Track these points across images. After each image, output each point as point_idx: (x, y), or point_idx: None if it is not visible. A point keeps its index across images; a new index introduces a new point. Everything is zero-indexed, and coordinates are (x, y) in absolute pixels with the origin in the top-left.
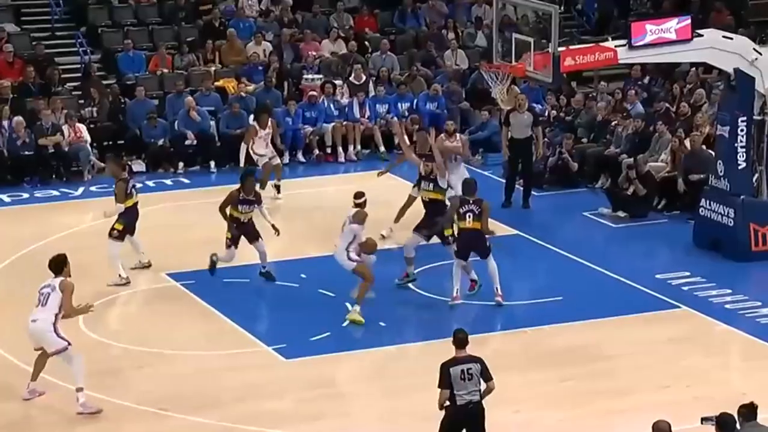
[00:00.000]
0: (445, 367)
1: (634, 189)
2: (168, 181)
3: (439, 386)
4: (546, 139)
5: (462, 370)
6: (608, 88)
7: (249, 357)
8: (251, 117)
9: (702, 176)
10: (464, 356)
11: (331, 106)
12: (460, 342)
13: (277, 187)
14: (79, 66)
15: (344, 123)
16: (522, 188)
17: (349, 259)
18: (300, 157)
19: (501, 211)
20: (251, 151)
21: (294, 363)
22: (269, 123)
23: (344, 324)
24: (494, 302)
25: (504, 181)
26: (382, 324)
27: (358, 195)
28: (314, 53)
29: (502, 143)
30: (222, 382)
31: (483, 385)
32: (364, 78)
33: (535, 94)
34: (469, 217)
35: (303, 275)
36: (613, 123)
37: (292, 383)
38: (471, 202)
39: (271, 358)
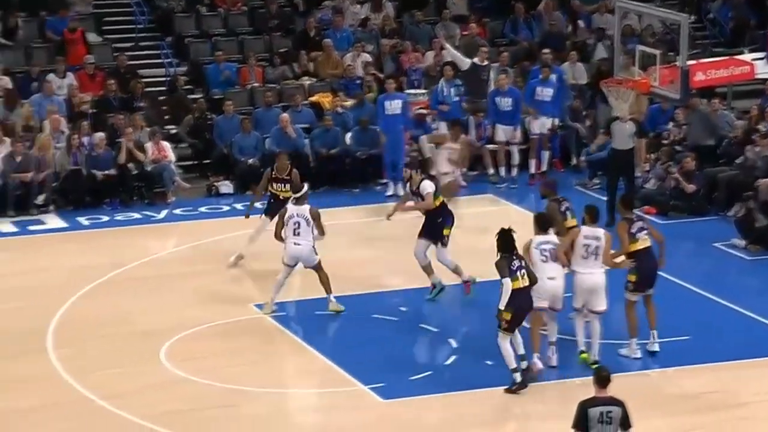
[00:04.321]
0: (583, 407)
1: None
2: (258, 204)
3: (574, 427)
4: (670, 162)
5: (601, 413)
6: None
7: (343, 397)
8: (347, 135)
9: None
10: (606, 397)
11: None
12: (603, 381)
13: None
14: (164, 79)
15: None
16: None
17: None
18: (399, 189)
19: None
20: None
21: (392, 404)
22: (461, 138)
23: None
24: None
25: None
26: (489, 363)
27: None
28: (418, 65)
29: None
30: (313, 423)
31: None
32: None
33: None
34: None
35: (403, 308)
36: (749, 145)
37: (390, 426)
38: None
39: (368, 399)
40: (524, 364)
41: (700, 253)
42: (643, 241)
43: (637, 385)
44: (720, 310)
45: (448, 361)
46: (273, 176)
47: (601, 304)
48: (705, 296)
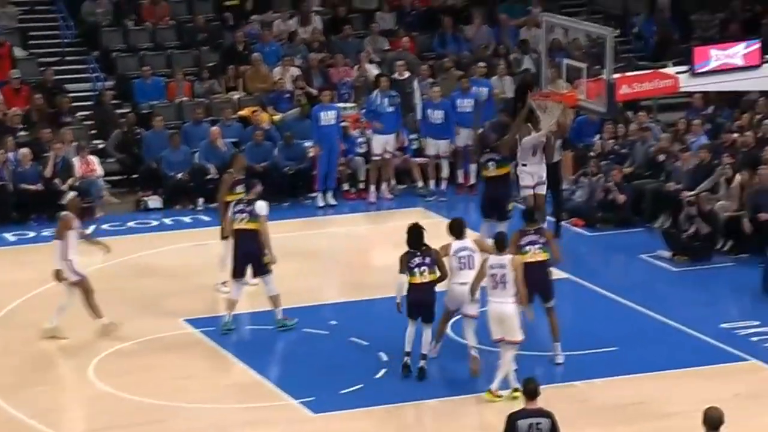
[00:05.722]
0: (512, 419)
1: (696, 229)
2: (187, 219)
3: None
4: (601, 174)
5: (530, 424)
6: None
7: (274, 411)
8: (275, 150)
9: None
10: (534, 409)
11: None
12: (531, 393)
13: None
14: (91, 93)
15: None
16: (553, 219)
17: (74, 270)
18: (330, 199)
19: None
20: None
21: (323, 418)
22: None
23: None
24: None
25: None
26: None
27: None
28: (347, 78)
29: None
30: None
31: None
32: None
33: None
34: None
35: (333, 322)
36: (673, 158)
37: None
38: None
39: (299, 413)
40: (422, 363)
41: (626, 265)
42: (533, 255)
43: (566, 396)
44: (646, 321)
45: (379, 375)
46: (235, 179)
47: (514, 334)
48: (631, 307)
